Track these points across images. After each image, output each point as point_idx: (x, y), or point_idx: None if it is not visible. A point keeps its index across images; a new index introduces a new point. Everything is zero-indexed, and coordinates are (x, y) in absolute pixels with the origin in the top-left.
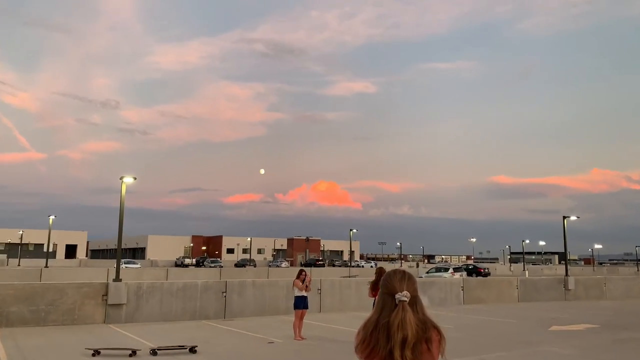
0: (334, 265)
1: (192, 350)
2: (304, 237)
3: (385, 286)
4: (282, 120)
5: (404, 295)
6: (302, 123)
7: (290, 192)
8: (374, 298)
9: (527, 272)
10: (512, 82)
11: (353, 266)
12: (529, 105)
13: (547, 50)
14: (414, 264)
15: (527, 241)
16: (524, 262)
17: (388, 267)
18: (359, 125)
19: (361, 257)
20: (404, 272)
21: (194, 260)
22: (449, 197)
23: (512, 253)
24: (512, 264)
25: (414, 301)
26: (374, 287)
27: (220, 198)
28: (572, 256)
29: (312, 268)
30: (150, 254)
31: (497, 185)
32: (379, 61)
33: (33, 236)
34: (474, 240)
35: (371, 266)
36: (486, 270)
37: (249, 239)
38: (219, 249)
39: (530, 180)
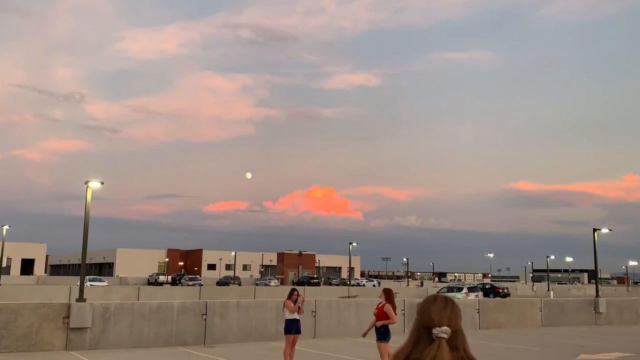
0: (330, 284)
1: None
2: (297, 252)
3: (422, 315)
4: (272, 117)
5: (442, 332)
6: (296, 120)
7: (281, 199)
8: (382, 324)
9: (552, 292)
10: (534, 74)
11: (353, 285)
12: (554, 100)
13: (573, 38)
14: (419, 282)
15: (552, 257)
16: (548, 281)
17: (393, 286)
18: (360, 123)
19: (362, 274)
20: (446, 300)
21: (169, 277)
22: (463, 206)
23: (534, 271)
24: (534, 283)
25: (455, 337)
26: (381, 314)
27: (200, 206)
28: (603, 274)
29: (306, 287)
30: (119, 270)
31: (517, 193)
32: (383, 50)
33: None
34: (491, 255)
35: (373, 285)
36: (505, 290)
37: (233, 253)
38: (199, 264)
39: (555, 186)
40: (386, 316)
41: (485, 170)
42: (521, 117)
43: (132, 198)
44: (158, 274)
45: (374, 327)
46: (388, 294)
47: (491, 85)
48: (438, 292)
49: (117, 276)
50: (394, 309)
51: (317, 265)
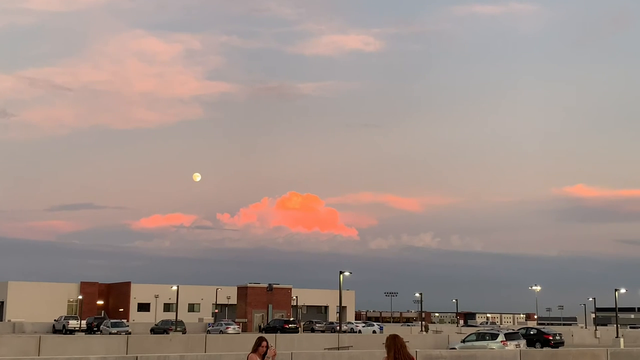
0: (313, 330)
1: None
2: (265, 285)
3: None
4: (230, 95)
5: None
6: (263, 100)
7: (242, 211)
8: None
9: (622, 339)
10: (597, 34)
11: (345, 331)
12: (625, 71)
13: None
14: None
15: (623, 290)
16: (617, 323)
17: (401, 332)
18: (354, 104)
19: (357, 316)
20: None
21: (84, 322)
22: (498, 220)
23: (598, 309)
24: (598, 327)
25: None
26: None
27: (127, 221)
28: None
29: (278, 334)
30: (11, 313)
31: (574, 201)
32: (387, 1)
33: None
34: (537, 288)
35: (374, 331)
36: (557, 338)
37: (174, 287)
38: (126, 303)
39: (626, 192)
40: None
41: (530, 170)
42: (579, 94)
43: (29, 210)
44: (68, 318)
45: None
46: (394, 343)
47: (536, 51)
48: (464, 340)
49: (9, 321)
50: None
51: (294, 303)
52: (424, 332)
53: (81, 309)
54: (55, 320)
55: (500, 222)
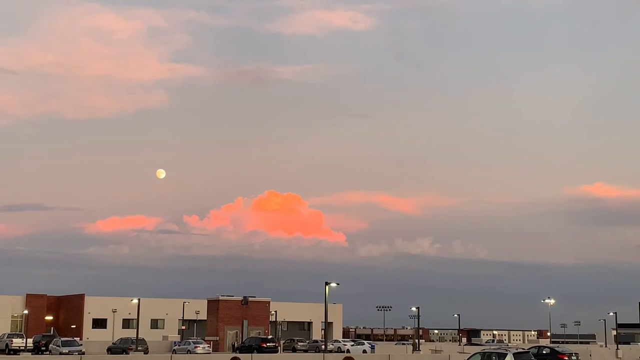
0: (295, 350)
1: None
2: (240, 298)
3: None
4: (198, 79)
5: None
6: (236, 85)
7: (213, 213)
8: None
9: None
10: (617, 13)
11: (331, 350)
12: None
13: None
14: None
15: None
16: None
17: (396, 351)
18: (342, 90)
19: (346, 333)
20: None
21: (30, 340)
22: (506, 224)
23: (619, 325)
24: (619, 346)
25: None
26: None
27: (80, 224)
28: None
29: (255, 355)
30: None
31: (591, 202)
32: None
33: None
34: (550, 302)
35: (364, 350)
36: (574, 357)
37: (134, 300)
38: (79, 319)
39: None
40: None
41: (541, 167)
42: (599, 81)
43: None
44: (11, 336)
45: None
46: None
47: (550, 33)
48: None
49: None
50: None
51: (272, 319)
52: (419, 352)
53: (27, 325)
54: None
55: (508, 226)
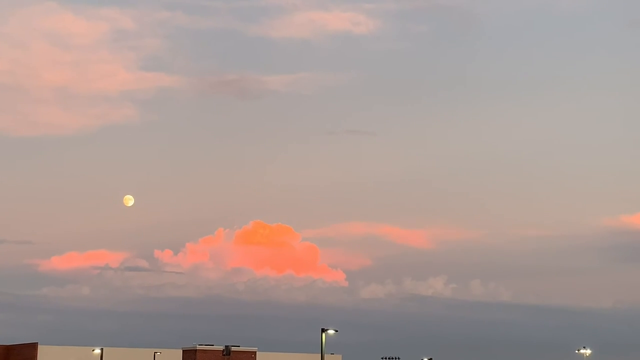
0: None
1: None
2: (221, 347)
3: None
4: (172, 90)
5: None
6: (217, 98)
7: (189, 246)
8: None
9: None
10: None
11: None
12: None
13: None
14: None
15: None
16: None
17: None
18: (339, 104)
19: None
20: None
21: None
22: (531, 261)
23: None
24: None
25: None
26: None
27: (33, 260)
28: None
29: None
30: None
31: (634, 234)
32: None
33: None
34: (586, 352)
35: None
36: None
37: (96, 350)
38: None
39: None
40: None
41: (575, 193)
42: None
43: None
44: None
45: None
46: None
47: (584, 34)
48: None
49: None
50: None
51: None
52: None
53: None
54: None
55: (536, 263)
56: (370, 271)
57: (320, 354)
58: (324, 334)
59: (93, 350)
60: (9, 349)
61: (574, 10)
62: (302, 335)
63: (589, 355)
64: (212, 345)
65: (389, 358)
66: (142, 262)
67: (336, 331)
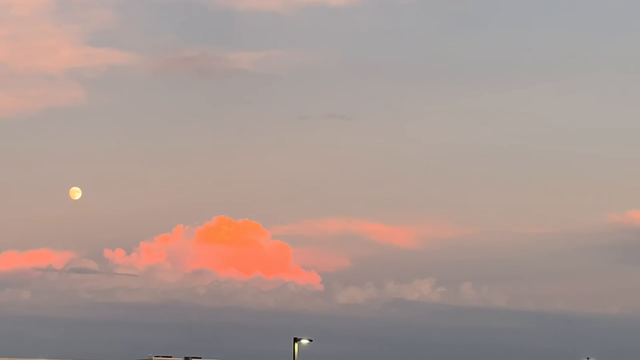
0: None
1: None
2: (180, 359)
3: None
4: (124, 68)
5: None
6: (176, 77)
7: (144, 245)
8: None
9: None
10: None
11: None
12: None
13: None
14: None
15: None
16: None
17: None
18: (314, 85)
19: None
20: None
21: None
22: (530, 262)
23: None
24: None
25: None
26: None
27: None
28: None
29: None
30: None
31: None
32: None
33: None
34: None
35: None
36: None
37: None
38: None
39: None
40: None
41: (578, 187)
42: None
43: None
44: None
45: None
46: None
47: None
48: None
49: None
50: None
51: None
52: None
53: None
54: None
55: (535, 264)
56: (349, 273)
57: None
58: (296, 344)
59: None
60: None
61: None
62: (271, 346)
63: None
64: (170, 357)
65: None
66: (90, 263)
67: (310, 341)
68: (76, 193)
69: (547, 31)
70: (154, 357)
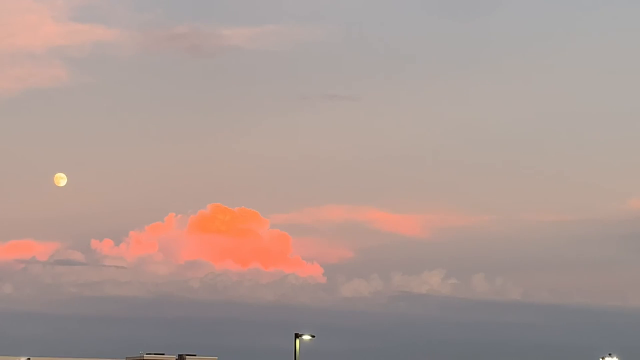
0: None
1: None
2: (173, 356)
3: None
4: (111, 46)
5: None
6: (165, 55)
7: (133, 235)
8: None
9: None
10: None
11: None
12: None
13: None
14: None
15: None
16: None
17: None
18: (315, 63)
19: None
20: None
21: None
22: (546, 251)
23: None
24: None
25: None
26: None
27: None
28: None
29: None
30: None
31: None
32: None
33: None
34: (613, 359)
35: None
36: None
37: None
38: None
39: None
40: None
41: (598, 172)
42: None
43: None
44: None
45: None
46: None
47: None
48: None
49: None
50: None
51: None
52: None
53: None
54: None
55: (551, 254)
56: (353, 264)
57: None
58: (297, 341)
59: (20, 359)
60: None
61: None
62: (271, 342)
63: None
64: (163, 354)
65: None
66: (77, 255)
67: (312, 336)
68: (61, 179)
69: (564, 6)
70: (145, 355)
